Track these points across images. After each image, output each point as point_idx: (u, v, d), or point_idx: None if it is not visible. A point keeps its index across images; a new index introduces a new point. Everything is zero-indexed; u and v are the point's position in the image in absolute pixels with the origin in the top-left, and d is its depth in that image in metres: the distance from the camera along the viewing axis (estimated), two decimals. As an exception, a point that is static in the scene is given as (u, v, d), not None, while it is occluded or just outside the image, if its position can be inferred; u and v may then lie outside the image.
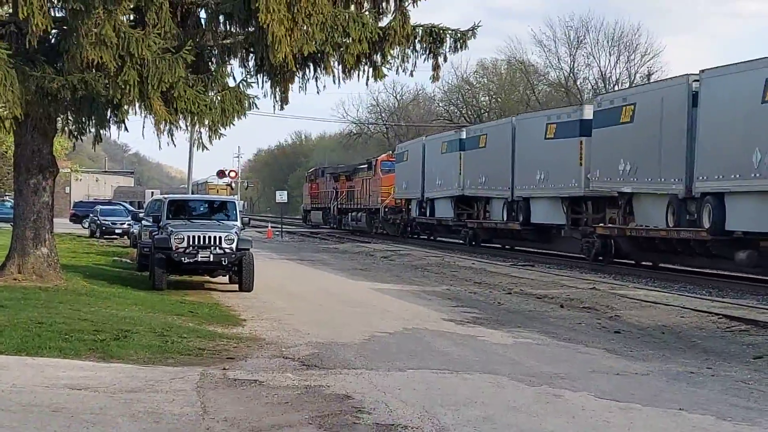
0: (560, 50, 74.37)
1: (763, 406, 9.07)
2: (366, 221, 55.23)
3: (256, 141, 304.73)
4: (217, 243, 19.05)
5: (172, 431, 7.45)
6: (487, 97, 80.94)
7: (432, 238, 47.67)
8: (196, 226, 19.87)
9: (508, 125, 36.25)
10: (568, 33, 73.54)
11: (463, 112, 79.85)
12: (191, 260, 19.00)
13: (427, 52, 17.97)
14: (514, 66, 77.75)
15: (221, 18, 17.06)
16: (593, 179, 28.62)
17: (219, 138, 17.17)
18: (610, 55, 71.66)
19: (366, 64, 17.75)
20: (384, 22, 17.53)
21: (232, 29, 17.22)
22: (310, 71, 17.93)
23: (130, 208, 55.26)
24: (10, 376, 9.25)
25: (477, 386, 9.57)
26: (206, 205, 22.54)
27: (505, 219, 36.00)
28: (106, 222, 45.83)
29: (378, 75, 17.98)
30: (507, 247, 38.55)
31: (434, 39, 17.89)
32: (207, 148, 17.47)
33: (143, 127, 16.75)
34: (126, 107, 16.42)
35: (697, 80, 23.34)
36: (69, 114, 17.65)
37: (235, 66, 18.13)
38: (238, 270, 19.34)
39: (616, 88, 67.74)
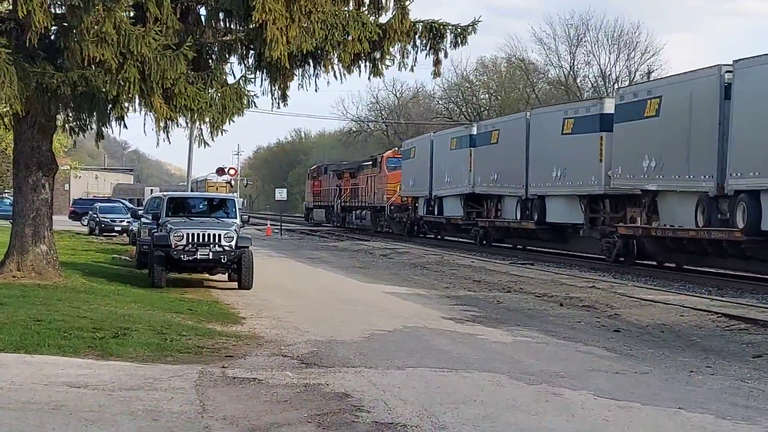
0: (560, 48, 74.47)
1: (763, 405, 9.07)
2: (370, 219, 54.39)
3: (255, 138, 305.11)
4: (217, 241, 19.04)
5: (171, 429, 7.44)
6: (486, 95, 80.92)
7: (439, 237, 46.56)
8: (196, 223, 19.85)
9: (522, 120, 35.06)
10: (568, 31, 73.61)
11: (463, 109, 79.82)
12: (190, 258, 18.99)
13: (428, 48, 17.97)
14: (514, 64, 77.77)
15: (221, 15, 17.06)
16: (614, 176, 27.42)
17: (221, 134, 17.15)
18: (610, 53, 71.78)
19: (366, 60, 17.76)
20: (383, 18, 17.55)
21: (232, 26, 17.20)
22: (309, 68, 17.94)
23: (130, 205, 55.26)
24: (9, 373, 9.24)
25: (476, 385, 9.56)
26: (206, 203, 22.53)
27: (518, 218, 34.90)
28: (106, 219, 45.84)
29: (377, 72, 17.99)
30: (519, 247, 37.47)
31: (434, 35, 17.89)
32: (209, 145, 17.48)
33: (144, 124, 16.76)
34: (126, 104, 16.40)
35: (730, 71, 22.13)
36: (69, 110, 17.64)
37: (234, 63, 18.18)
38: (238, 268, 19.33)
39: (616, 86, 67.81)
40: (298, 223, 71.28)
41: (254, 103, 17.58)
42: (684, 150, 23.87)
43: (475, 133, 39.56)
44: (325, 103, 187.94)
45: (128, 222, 40.38)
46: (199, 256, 19.00)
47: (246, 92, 17.12)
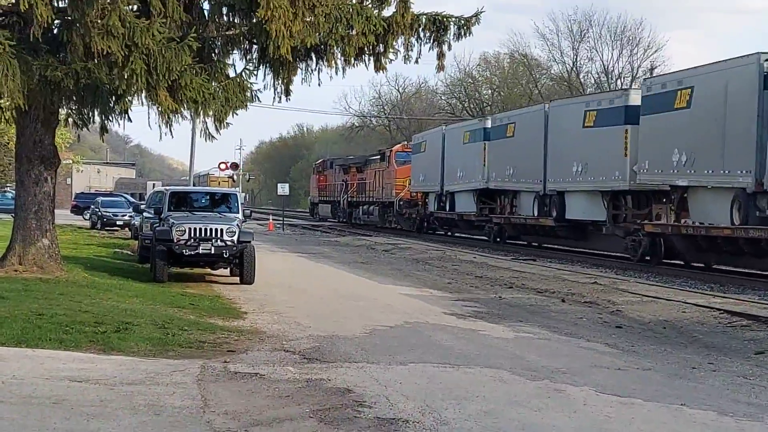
0: (563, 44, 74.51)
1: (765, 402, 9.06)
2: (378, 215, 53.19)
3: (257, 133, 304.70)
4: (219, 235, 19.03)
5: (173, 424, 7.43)
6: (489, 91, 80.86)
7: (450, 233, 45.15)
8: (198, 218, 19.83)
9: (540, 113, 33.59)
10: (571, 27, 73.65)
11: (466, 105, 79.79)
12: (192, 252, 19.00)
13: (432, 41, 17.94)
14: (517, 59, 77.76)
15: (224, 9, 17.04)
16: (640, 171, 25.91)
17: (225, 127, 17.14)
18: (613, 49, 71.76)
19: (369, 55, 17.74)
20: (386, 12, 17.52)
21: (235, 20, 17.18)
22: (312, 63, 17.92)
23: (132, 199, 55.30)
24: (10, 367, 9.23)
25: (478, 380, 9.55)
26: (208, 198, 22.50)
27: (536, 214, 33.52)
28: (107, 213, 45.84)
29: (380, 66, 17.96)
30: (535, 244, 36.18)
31: (438, 27, 17.87)
32: (215, 137, 17.42)
33: (148, 117, 16.74)
34: (130, 98, 16.39)
35: None
36: (72, 104, 17.63)
37: (236, 58, 18.16)
38: (240, 262, 19.33)
39: (619, 82, 67.82)
40: (301, 218, 71.18)
41: (258, 97, 17.60)
42: (718, 143, 22.54)
43: (489, 126, 38.28)
44: (328, 98, 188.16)
45: (130, 216, 40.37)
46: (201, 251, 19.00)
47: (249, 85, 17.12)
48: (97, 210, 46.98)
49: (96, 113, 17.45)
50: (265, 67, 17.56)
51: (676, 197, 25.00)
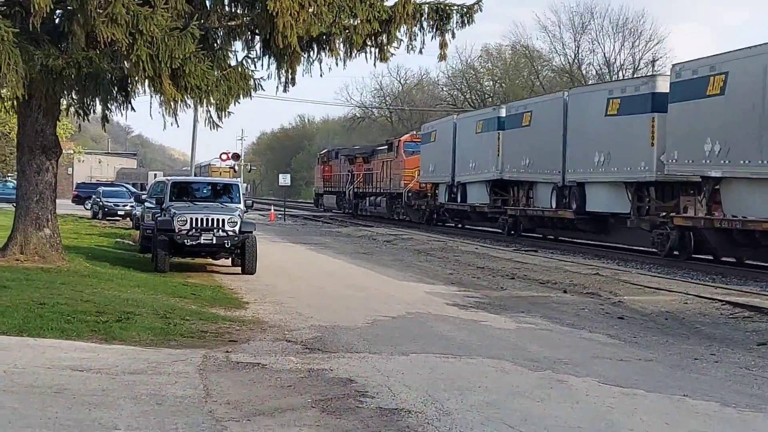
0: (565, 36, 74.50)
1: (767, 393, 9.05)
2: (386, 206, 52.02)
3: (259, 124, 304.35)
4: (220, 225, 19.03)
5: (175, 414, 7.42)
6: (491, 82, 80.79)
7: (461, 225, 43.88)
8: (199, 208, 19.82)
9: (559, 100, 32.26)
10: (573, 18, 73.66)
11: (467, 96, 79.71)
12: (194, 242, 19.00)
13: (434, 30, 17.90)
14: (519, 51, 77.68)
15: (226, 0, 17.02)
16: (669, 162, 24.63)
17: (228, 116, 17.11)
18: (615, 41, 71.65)
19: (372, 45, 17.71)
20: (389, 2, 17.48)
21: (238, 11, 17.15)
22: (314, 53, 17.88)
23: (133, 189, 55.31)
24: (12, 356, 9.23)
25: (480, 371, 9.54)
26: (209, 188, 22.48)
27: (554, 206, 32.16)
28: (109, 203, 45.90)
29: (383, 57, 17.93)
30: (551, 237, 34.99)
31: (441, 16, 17.84)
32: (220, 126, 17.37)
33: (150, 107, 16.71)
34: (135, 85, 16.37)
35: None
36: (74, 93, 17.61)
37: (238, 47, 18.13)
38: (241, 253, 19.33)
39: (620, 74, 67.66)
40: (304, 209, 71.09)
41: (261, 86, 17.59)
42: (755, 131, 21.17)
43: (503, 115, 36.87)
44: (329, 89, 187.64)
45: (131, 206, 40.39)
46: (202, 241, 19.01)
47: (251, 74, 17.10)
48: (99, 200, 47.02)
49: (98, 102, 17.43)
50: (269, 56, 17.53)
51: (707, 189, 23.62)
